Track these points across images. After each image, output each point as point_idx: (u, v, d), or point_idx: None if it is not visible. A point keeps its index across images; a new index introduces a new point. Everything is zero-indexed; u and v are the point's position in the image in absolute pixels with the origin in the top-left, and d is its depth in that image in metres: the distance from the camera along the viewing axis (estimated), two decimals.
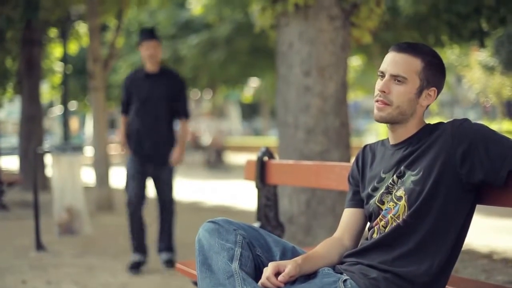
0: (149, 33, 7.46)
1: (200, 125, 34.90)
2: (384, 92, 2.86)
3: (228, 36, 22.83)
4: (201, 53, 23.86)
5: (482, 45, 15.65)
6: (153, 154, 7.50)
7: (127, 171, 7.60)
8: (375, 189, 2.95)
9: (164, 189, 7.68)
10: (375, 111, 2.88)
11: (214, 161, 27.42)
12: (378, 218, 2.90)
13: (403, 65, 2.85)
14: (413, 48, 2.88)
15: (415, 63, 2.85)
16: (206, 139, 29.50)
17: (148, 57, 7.40)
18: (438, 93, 2.90)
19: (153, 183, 7.69)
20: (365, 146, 3.15)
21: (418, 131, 2.90)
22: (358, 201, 3.10)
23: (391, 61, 2.87)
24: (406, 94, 2.85)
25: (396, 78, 2.85)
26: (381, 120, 2.90)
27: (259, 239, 2.92)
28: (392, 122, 2.91)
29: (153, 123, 7.45)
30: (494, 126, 34.16)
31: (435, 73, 2.88)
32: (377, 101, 2.88)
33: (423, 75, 2.86)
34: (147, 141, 7.46)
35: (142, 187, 7.53)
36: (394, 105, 2.86)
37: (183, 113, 7.61)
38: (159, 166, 7.55)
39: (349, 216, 3.12)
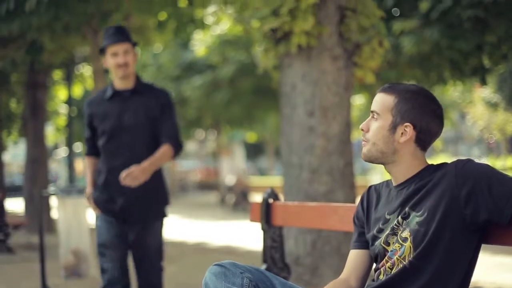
0: (115, 34, 5.22)
1: (221, 164, 34.92)
2: (363, 130, 2.94)
3: (231, 76, 22.96)
4: (205, 94, 23.97)
5: (484, 82, 15.71)
6: (130, 211, 5.27)
7: (98, 238, 5.39)
8: (381, 231, 2.96)
9: (148, 266, 5.46)
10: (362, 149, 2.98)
11: (240, 202, 27.12)
12: (384, 259, 2.90)
13: (378, 103, 2.94)
14: (391, 87, 2.96)
15: (388, 100, 2.92)
16: (229, 179, 29.30)
17: (116, 67, 5.19)
18: (424, 130, 2.90)
19: (132, 255, 5.43)
20: (370, 187, 3.16)
21: (420, 171, 2.91)
22: (363, 242, 3.10)
23: (374, 100, 2.96)
24: (379, 130, 2.91)
25: (372, 114, 2.93)
26: (364, 158, 2.98)
27: (265, 282, 2.92)
28: (377, 161, 2.96)
29: (127, 164, 5.06)
30: (499, 162, 34.13)
31: (410, 109, 2.88)
32: (363, 140, 2.98)
33: (395, 111, 2.89)
34: (119, 193, 5.20)
35: (124, 265, 5.34)
36: (371, 142, 2.94)
37: (168, 137, 5.28)
38: (140, 229, 5.31)
39: (355, 257, 3.11)
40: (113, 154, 5.22)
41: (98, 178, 5.28)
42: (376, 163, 3.02)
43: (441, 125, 2.96)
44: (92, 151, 5.40)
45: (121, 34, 5.21)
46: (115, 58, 5.18)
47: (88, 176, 5.37)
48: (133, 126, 5.20)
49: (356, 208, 3.19)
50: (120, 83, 5.28)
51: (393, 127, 2.89)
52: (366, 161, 2.98)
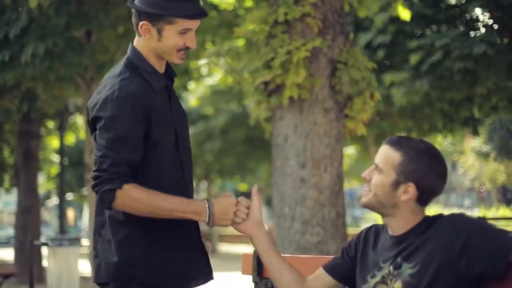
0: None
1: None
2: (365, 178, 2.95)
3: (223, 126, 23.06)
4: (197, 144, 24.04)
5: (475, 132, 15.82)
6: None
7: None
8: (373, 276, 2.96)
9: None
10: (362, 195, 3.00)
11: None
12: None
13: (382, 156, 2.92)
14: (398, 141, 2.93)
15: (393, 157, 2.90)
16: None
17: (178, 49, 3.18)
18: (427, 190, 2.91)
19: None
20: (372, 226, 3.15)
21: (416, 224, 2.92)
22: (337, 271, 3.11)
23: (379, 151, 2.97)
24: (381, 184, 2.90)
25: (376, 167, 2.93)
26: (363, 205, 2.99)
27: None
28: (375, 211, 2.98)
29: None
30: (490, 212, 34.10)
31: (415, 170, 2.88)
32: (365, 187, 2.98)
33: (400, 170, 2.88)
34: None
35: None
36: (372, 193, 2.93)
37: None
38: None
39: (324, 276, 3.14)
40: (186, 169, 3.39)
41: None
42: (374, 211, 3.02)
43: (443, 184, 2.94)
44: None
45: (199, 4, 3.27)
46: (185, 36, 3.15)
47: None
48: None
49: (352, 240, 3.18)
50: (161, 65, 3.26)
51: (396, 185, 2.88)
52: (363, 207, 2.99)
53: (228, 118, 22.75)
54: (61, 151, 16.30)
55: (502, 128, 36.43)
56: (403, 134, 16.60)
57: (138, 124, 3.05)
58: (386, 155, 2.91)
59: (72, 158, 26.44)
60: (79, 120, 18.31)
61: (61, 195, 16.86)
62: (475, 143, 46.69)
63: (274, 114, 7.04)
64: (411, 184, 2.85)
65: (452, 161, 55.85)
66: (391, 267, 2.86)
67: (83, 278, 11.90)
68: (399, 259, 2.85)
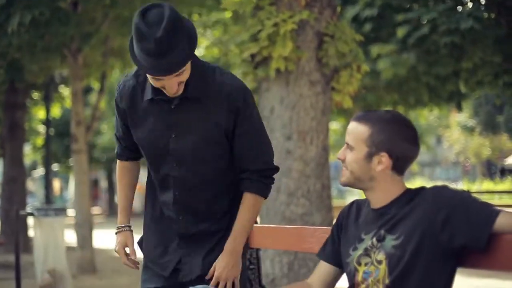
0: (155, 55, 2.93)
1: None
2: (340, 159, 2.98)
3: None
4: None
5: (460, 107, 15.86)
6: None
7: None
8: (354, 249, 2.99)
9: None
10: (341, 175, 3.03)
11: None
12: (356, 279, 2.93)
13: (352, 134, 2.95)
14: (363, 116, 2.96)
15: (361, 131, 2.92)
16: None
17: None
18: (400, 157, 2.93)
19: None
20: (354, 202, 3.18)
21: (398, 196, 2.94)
22: (330, 254, 3.13)
23: (347, 129, 3.00)
24: (355, 160, 2.93)
25: (347, 145, 2.96)
26: (342, 185, 3.03)
27: None
28: (355, 187, 3.01)
29: None
30: (474, 186, 34.27)
31: (386, 139, 2.91)
32: (343, 166, 3.01)
33: (370, 142, 2.90)
34: None
35: None
36: (348, 171, 2.96)
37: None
38: None
39: (323, 269, 3.15)
40: None
41: None
42: (355, 188, 3.05)
43: (416, 149, 2.97)
44: None
45: (169, 51, 2.94)
46: (162, 82, 3.05)
47: None
48: None
49: (335, 221, 3.21)
50: None
51: (369, 157, 2.91)
52: (345, 186, 3.02)
53: None
54: (47, 121, 16.27)
55: (488, 103, 36.59)
56: (389, 107, 16.62)
57: (117, 114, 3.44)
58: (355, 131, 2.94)
59: (58, 128, 26.41)
60: (65, 91, 18.23)
61: (47, 166, 16.84)
62: (460, 117, 46.85)
63: (261, 86, 7.05)
64: (383, 153, 2.88)
65: (437, 135, 56.03)
66: (374, 239, 2.89)
67: (69, 248, 11.91)
68: (382, 231, 2.87)
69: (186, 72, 3.06)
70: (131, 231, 3.56)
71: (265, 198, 3.44)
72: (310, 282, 3.13)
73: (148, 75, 3.07)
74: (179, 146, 3.24)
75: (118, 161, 3.66)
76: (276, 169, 3.48)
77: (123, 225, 3.57)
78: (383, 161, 2.89)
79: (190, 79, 3.13)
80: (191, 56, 3.06)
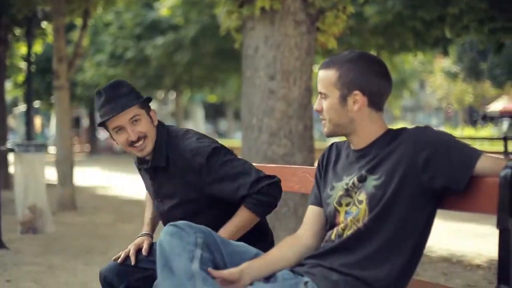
0: (109, 100, 3.62)
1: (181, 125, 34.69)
2: (318, 110, 2.96)
3: (194, 37, 22.84)
4: (166, 54, 23.84)
5: (446, 52, 15.82)
6: None
7: None
8: (333, 189, 2.99)
9: None
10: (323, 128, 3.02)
11: None
12: (337, 220, 2.93)
13: (322, 81, 2.95)
14: (329, 61, 2.96)
15: (329, 76, 2.92)
16: None
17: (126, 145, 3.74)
18: (374, 92, 2.91)
19: None
20: (332, 144, 3.18)
21: (380, 136, 2.93)
22: (320, 199, 3.13)
23: (318, 79, 2.98)
24: (330, 107, 2.92)
25: (321, 95, 2.95)
26: (327, 136, 3.04)
27: (215, 244, 2.94)
28: (339, 135, 3.00)
29: None
30: (456, 132, 34.45)
31: (355, 77, 2.89)
32: (321, 119, 3.00)
33: (340, 84, 2.90)
34: None
35: None
36: (327, 120, 2.95)
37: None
38: None
39: (311, 213, 3.14)
40: None
41: None
42: (339, 136, 3.04)
43: (389, 82, 2.95)
44: None
45: (119, 98, 3.60)
46: (122, 133, 3.63)
47: None
48: None
49: (318, 163, 3.22)
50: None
51: (343, 99, 2.90)
52: (329, 137, 3.02)
53: (198, 28, 22.52)
54: (29, 58, 16.08)
55: (472, 49, 36.54)
56: (374, 51, 16.60)
57: None
58: (323, 78, 2.94)
59: (40, 65, 26.18)
60: (48, 27, 18.03)
61: (29, 102, 16.71)
62: (444, 63, 46.85)
63: (245, 25, 6.98)
64: (356, 92, 2.88)
65: (420, 81, 56.11)
66: (355, 180, 2.89)
67: (50, 185, 11.91)
68: (363, 172, 2.87)
69: (143, 122, 3.60)
70: (152, 237, 3.87)
71: (260, 215, 3.63)
72: (301, 233, 3.12)
73: (112, 135, 3.65)
74: (164, 209, 3.75)
75: None
76: (267, 178, 3.60)
77: (144, 232, 3.92)
78: (357, 99, 2.88)
79: (156, 148, 3.64)
80: (136, 101, 3.59)
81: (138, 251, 3.71)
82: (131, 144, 3.59)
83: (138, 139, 3.58)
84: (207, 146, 3.59)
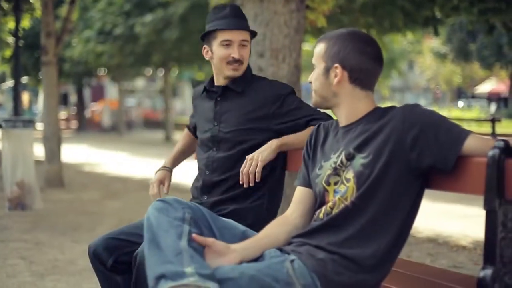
0: (232, 16, 3.87)
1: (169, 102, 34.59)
2: (310, 82, 3.02)
3: (183, 14, 22.75)
4: (155, 31, 23.76)
5: (435, 32, 15.81)
6: None
7: None
8: (321, 168, 2.99)
9: None
10: None
11: None
12: (326, 199, 2.94)
13: (314, 54, 3.05)
14: (324, 35, 3.06)
15: (320, 48, 3.02)
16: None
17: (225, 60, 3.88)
18: (355, 68, 2.94)
19: None
20: (319, 125, 3.19)
21: (368, 113, 2.95)
22: (308, 180, 3.13)
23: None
24: (316, 78, 3.02)
25: (313, 67, 3.03)
26: (314, 106, 3.18)
27: (203, 219, 2.94)
28: (324, 107, 3.09)
29: None
30: (443, 112, 34.50)
31: (338, 51, 2.95)
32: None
33: (326, 57, 2.98)
34: None
35: None
36: (314, 90, 3.02)
37: None
38: None
39: (300, 194, 3.15)
40: None
41: None
42: (325, 109, 3.14)
43: (376, 62, 2.97)
44: None
45: (241, 18, 3.89)
46: (227, 48, 3.83)
47: None
48: None
49: (305, 145, 3.23)
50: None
51: (326, 72, 2.97)
52: (316, 108, 3.10)
53: (187, 5, 22.43)
54: (17, 32, 15.96)
55: (461, 30, 36.54)
56: (364, 30, 16.56)
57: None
58: (316, 50, 3.08)
59: (28, 40, 26.03)
60: (36, 2, 17.90)
61: (16, 78, 16.61)
62: (433, 44, 46.86)
63: (235, 2, 6.94)
64: (336, 65, 2.95)
65: (409, 61, 56.14)
66: (343, 158, 2.89)
67: (38, 162, 11.88)
68: (351, 150, 2.87)
69: (247, 49, 3.85)
70: (171, 172, 4.14)
71: None
72: (289, 213, 3.13)
73: (219, 49, 3.82)
74: (215, 133, 3.89)
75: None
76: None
77: (165, 166, 4.16)
78: (337, 72, 2.95)
79: (242, 76, 3.86)
80: (250, 30, 3.88)
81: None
82: (231, 61, 3.80)
83: (238, 60, 3.80)
84: (289, 87, 3.89)
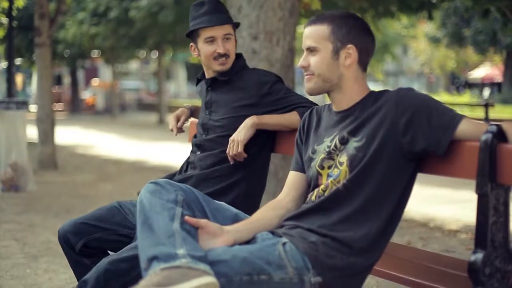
0: (211, 12, 3.93)
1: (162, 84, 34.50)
2: (304, 66, 2.96)
3: None
4: (150, 14, 23.65)
5: (429, 16, 15.81)
6: None
7: None
8: (315, 152, 2.99)
9: None
10: (305, 84, 2.99)
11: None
12: (319, 182, 2.94)
13: (311, 37, 2.95)
14: (319, 17, 2.98)
15: (321, 30, 2.94)
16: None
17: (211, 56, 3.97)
18: (364, 49, 2.94)
19: None
20: (312, 109, 3.19)
21: (362, 98, 2.94)
22: (301, 165, 3.14)
23: (304, 36, 3.00)
24: (322, 61, 2.93)
25: (309, 50, 2.95)
26: (310, 92, 3.02)
27: (195, 201, 2.94)
28: (323, 92, 3.00)
29: None
30: (437, 97, 34.46)
31: (348, 32, 2.92)
32: (306, 75, 2.99)
33: (334, 38, 2.91)
34: None
35: None
36: (316, 75, 2.95)
37: None
38: None
39: (292, 178, 3.15)
40: None
41: None
42: (321, 93, 3.04)
43: (374, 42, 3.00)
44: None
45: (221, 12, 3.93)
46: (211, 45, 3.90)
47: None
48: None
49: (298, 129, 3.22)
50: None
51: (336, 53, 2.91)
52: (311, 94, 3.01)
53: None
54: (10, 12, 15.88)
55: (456, 14, 36.48)
56: (358, 15, 16.55)
57: None
58: (314, 32, 2.96)
59: (22, 21, 25.89)
60: None
61: (10, 59, 16.54)
62: (427, 28, 46.79)
63: None
64: (350, 45, 2.91)
65: (403, 45, 56.06)
66: (337, 142, 2.89)
67: (31, 144, 11.87)
68: (345, 134, 2.87)
69: (232, 42, 3.92)
70: (190, 111, 4.33)
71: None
72: (282, 197, 3.13)
73: (204, 47, 3.89)
74: (206, 121, 4.03)
75: None
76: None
77: (186, 105, 4.41)
78: (351, 53, 2.91)
79: (231, 68, 3.94)
80: (232, 21, 3.95)
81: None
82: (217, 56, 3.88)
83: (224, 55, 3.88)
84: (276, 75, 3.97)
